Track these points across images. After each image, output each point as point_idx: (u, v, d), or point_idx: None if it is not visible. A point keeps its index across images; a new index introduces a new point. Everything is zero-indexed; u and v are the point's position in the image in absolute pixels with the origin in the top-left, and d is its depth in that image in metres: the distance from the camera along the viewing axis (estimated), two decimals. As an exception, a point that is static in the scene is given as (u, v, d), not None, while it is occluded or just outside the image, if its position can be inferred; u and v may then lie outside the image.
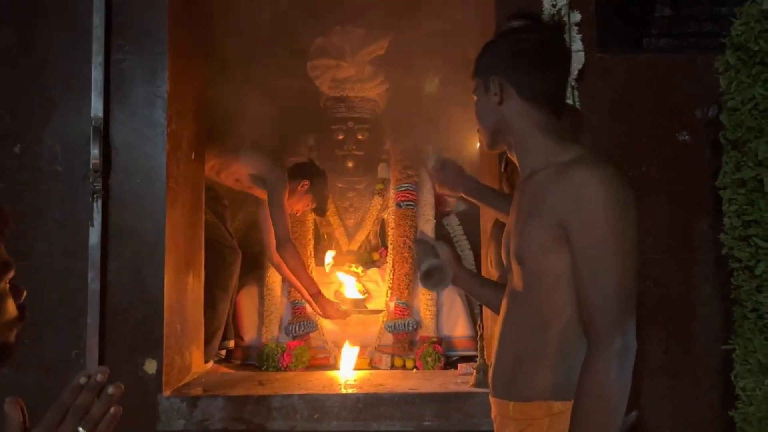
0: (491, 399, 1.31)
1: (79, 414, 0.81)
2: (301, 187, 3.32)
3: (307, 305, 3.33)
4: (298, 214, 3.43)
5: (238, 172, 3.24)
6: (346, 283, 3.42)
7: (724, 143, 2.05)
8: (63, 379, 2.24)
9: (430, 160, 1.68)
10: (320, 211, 3.46)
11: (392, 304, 3.37)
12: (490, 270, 2.27)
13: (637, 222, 1.16)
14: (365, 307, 3.31)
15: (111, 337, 2.30)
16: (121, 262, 2.32)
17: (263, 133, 3.33)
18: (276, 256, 3.24)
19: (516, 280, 1.27)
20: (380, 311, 3.28)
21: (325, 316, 3.22)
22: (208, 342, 3.02)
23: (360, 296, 3.34)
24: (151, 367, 2.31)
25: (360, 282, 3.48)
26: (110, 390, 0.82)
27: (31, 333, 2.24)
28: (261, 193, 3.30)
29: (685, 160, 2.39)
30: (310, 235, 3.58)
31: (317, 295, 3.21)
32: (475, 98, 1.35)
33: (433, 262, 1.38)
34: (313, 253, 3.55)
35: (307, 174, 3.37)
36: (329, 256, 3.55)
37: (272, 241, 3.24)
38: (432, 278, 1.38)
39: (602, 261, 1.13)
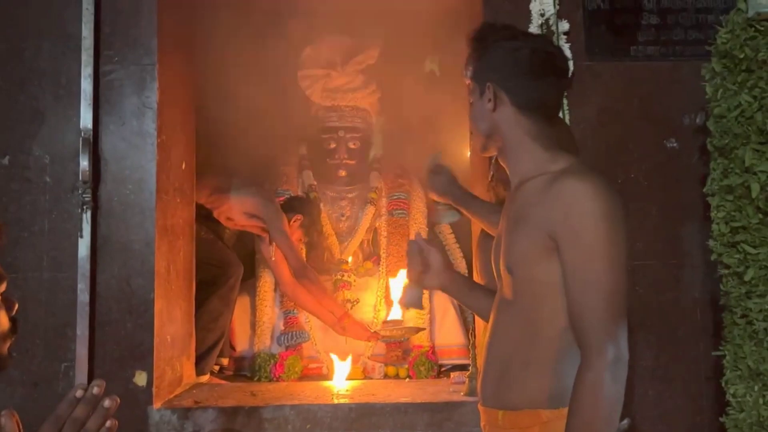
0: (480, 408, 1.30)
1: (76, 427, 0.80)
2: (294, 221, 3.32)
3: (300, 316, 3.32)
4: None
5: (230, 212, 3.24)
6: (394, 302, 3.35)
7: (711, 150, 2.06)
8: (51, 392, 2.24)
9: (429, 159, 1.70)
10: (311, 246, 3.44)
11: (385, 313, 3.36)
12: (477, 278, 2.27)
13: (626, 232, 1.17)
14: (402, 326, 3.22)
15: (100, 350, 2.28)
16: (110, 273, 2.31)
17: (253, 144, 3.32)
18: (291, 289, 3.22)
19: (505, 288, 1.27)
20: (420, 329, 3.20)
21: (357, 338, 3.19)
22: (206, 354, 3.01)
23: (398, 317, 3.30)
24: (141, 379, 2.29)
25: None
26: (106, 403, 0.82)
27: (18, 346, 2.21)
28: (257, 229, 3.30)
29: (673, 166, 2.40)
30: (302, 245, 3.58)
31: (345, 317, 3.19)
32: (470, 101, 1.36)
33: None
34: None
35: (301, 209, 3.36)
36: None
37: (284, 275, 3.22)
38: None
39: (592, 272, 1.13)
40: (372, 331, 3.21)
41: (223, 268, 3.15)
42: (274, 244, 3.22)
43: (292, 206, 3.36)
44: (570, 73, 2.13)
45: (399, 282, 3.33)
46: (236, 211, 3.24)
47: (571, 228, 1.14)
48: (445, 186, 1.72)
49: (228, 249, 3.32)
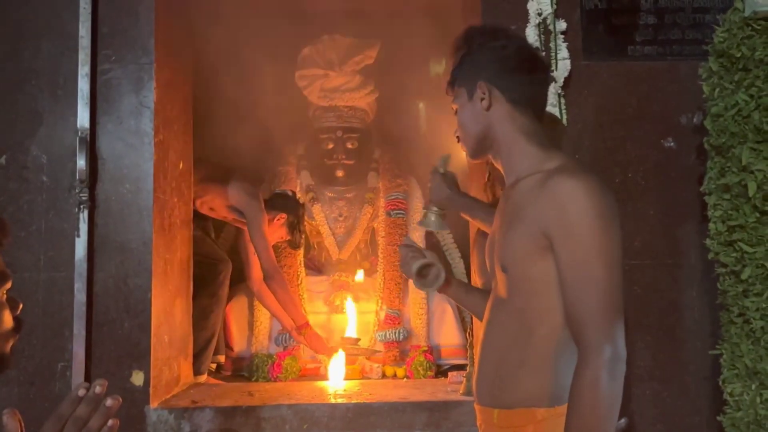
0: (476, 407, 1.30)
1: (78, 425, 0.82)
2: (278, 220, 3.31)
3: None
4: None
5: (213, 202, 3.22)
6: (348, 320, 3.37)
7: (708, 149, 2.06)
8: (48, 392, 2.23)
9: (439, 160, 1.67)
10: (293, 245, 3.43)
11: (383, 314, 3.37)
12: (475, 277, 2.27)
13: (620, 230, 1.16)
14: (359, 345, 3.25)
15: (97, 349, 2.28)
16: (107, 272, 2.31)
17: (251, 144, 3.32)
18: (257, 286, 3.23)
19: (500, 287, 1.27)
20: (376, 351, 3.24)
21: (312, 350, 3.20)
22: (201, 353, 3.00)
23: (354, 335, 3.30)
24: (138, 378, 2.28)
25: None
26: (108, 402, 0.83)
27: (16, 345, 2.22)
28: (238, 222, 3.30)
29: (670, 166, 2.41)
30: (285, 243, 3.57)
31: (304, 327, 3.19)
32: (454, 108, 1.36)
33: (425, 260, 1.39)
34: (302, 262, 3.55)
35: (286, 207, 3.35)
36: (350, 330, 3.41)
37: (254, 272, 3.23)
38: (426, 277, 1.41)
39: (587, 271, 1.13)
40: (330, 345, 3.22)
41: (211, 265, 3.13)
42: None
43: (277, 204, 3.34)
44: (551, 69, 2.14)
45: (352, 309, 3.36)
46: (219, 203, 3.23)
47: (565, 226, 1.14)
48: (448, 193, 1.70)
49: (216, 245, 3.31)
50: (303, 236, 3.44)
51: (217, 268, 3.17)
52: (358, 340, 3.26)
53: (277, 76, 3.56)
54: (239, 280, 3.37)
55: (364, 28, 3.53)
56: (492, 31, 1.36)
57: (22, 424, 0.83)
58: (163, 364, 2.44)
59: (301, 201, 3.49)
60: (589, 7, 2.45)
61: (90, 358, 2.26)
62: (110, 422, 0.82)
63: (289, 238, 3.37)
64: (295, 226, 3.34)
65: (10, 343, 0.94)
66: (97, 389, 0.83)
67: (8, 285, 0.93)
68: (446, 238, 3.75)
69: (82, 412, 0.82)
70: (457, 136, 1.38)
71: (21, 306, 0.96)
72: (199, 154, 3.02)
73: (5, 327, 0.93)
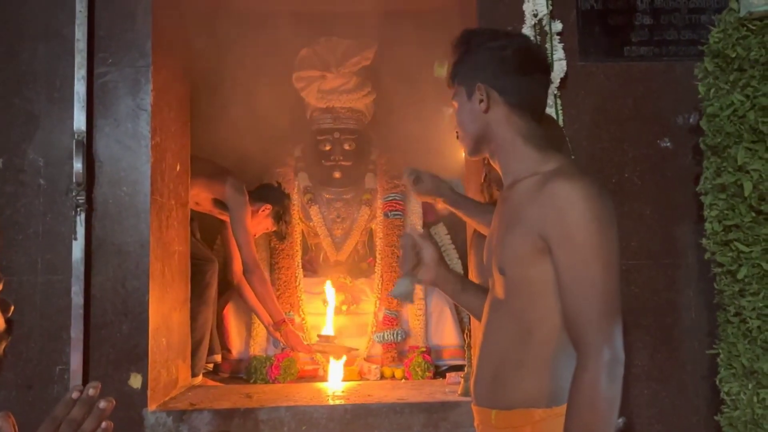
0: (473, 408, 1.30)
1: (72, 428, 0.82)
2: (263, 211, 3.31)
3: (295, 317, 3.31)
4: (255, 237, 3.37)
5: (198, 196, 3.21)
6: (327, 316, 3.36)
7: (704, 149, 2.07)
8: (46, 395, 2.23)
9: (405, 174, 1.70)
10: (279, 236, 3.43)
11: (381, 315, 3.37)
12: (472, 278, 2.28)
13: (617, 232, 1.16)
14: (334, 343, 3.24)
15: (95, 352, 2.28)
16: (104, 275, 2.30)
17: (249, 146, 3.33)
18: (237, 279, 3.23)
19: (498, 288, 1.27)
20: (352, 349, 3.23)
21: (289, 347, 3.20)
22: (192, 355, 2.99)
23: (331, 333, 3.29)
24: (136, 381, 2.28)
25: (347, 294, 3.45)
26: (102, 404, 0.83)
27: (13, 349, 2.22)
28: (223, 216, 3.30)
29: (666, 166, 2.41)
30: (298, 246, 3.58)
31: (282, 324, 3.19)
32: (455, 105, 1.36)
33: (397, 291, 1.42)
34: (300, 263, 3.55)
35: (271, 198, 3.34)
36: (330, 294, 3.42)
37: (235, 264, 3.24)
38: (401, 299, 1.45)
39: (585, 273, 1.13)
40: (306, 344, 3.22)
41: (197, 265, 3.11)
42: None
43: (262, 195, 3.34)
44: (551, 70, 2.15)
45: (332, 297, 3.36)
46: (205, 197, 3.23)
47: (563, 229, 1.14)
48: (432, 189, 1.72)
49: (201, 244, 3.30)
50: (288, 227, 3.44)
51: (203, 269, 3.15)
52: (334, 337, 3.25)
53: (275, 77, 3.56)
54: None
55: (362, 30, 3.53)
56: (492, 31, 1.36)
57: (16, 428, 0.83)
58: (161, 366, 2.44)
59: (286, 191, 3.49)
60: (585, 7, 2.46)
61: (88, 361, 2.26)
62: (104, 424, 0.83)
63: (274, 229, 3.37)
64: (280, 217, 3.34)
65: (3, 346, 0.94)
66: (91, 391, 0.83)
67: None
68: (443, 238, 3.76)
69: (76, 415, 0.82)
70: (457, 133, 1.38)
71: (12, 308, 0.96)
72: (196, 155, 3.02)
73: None
